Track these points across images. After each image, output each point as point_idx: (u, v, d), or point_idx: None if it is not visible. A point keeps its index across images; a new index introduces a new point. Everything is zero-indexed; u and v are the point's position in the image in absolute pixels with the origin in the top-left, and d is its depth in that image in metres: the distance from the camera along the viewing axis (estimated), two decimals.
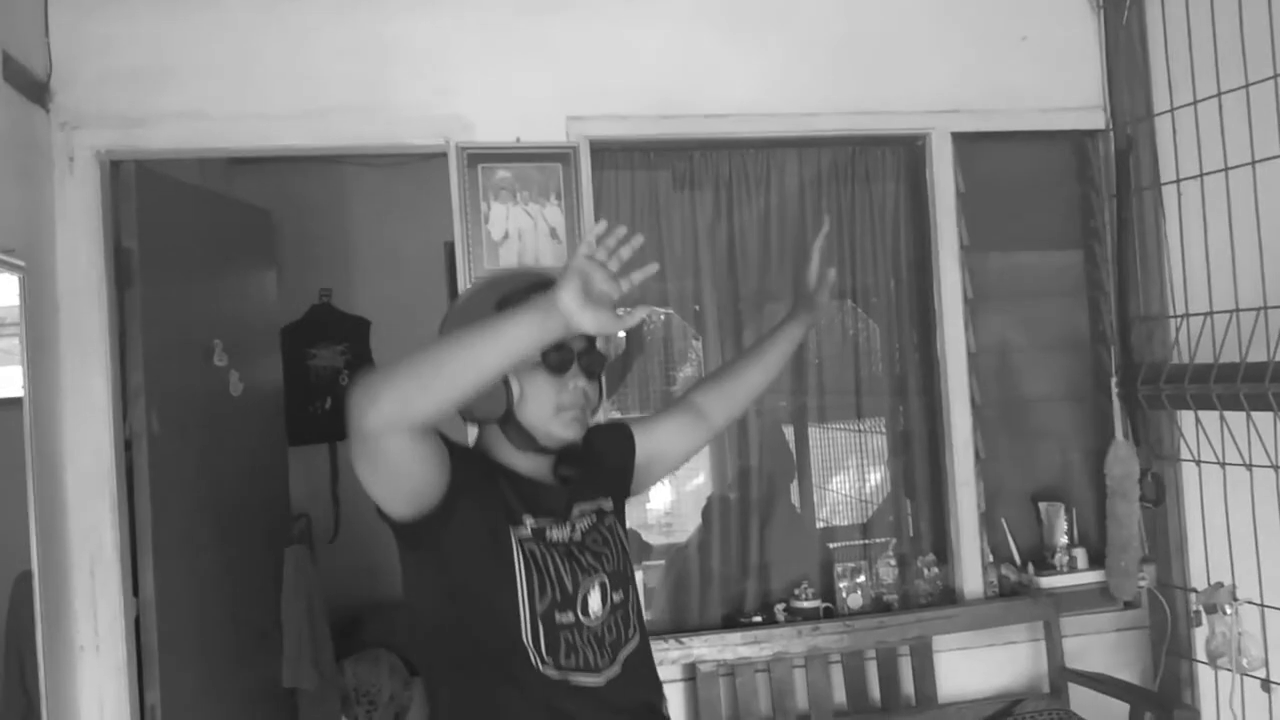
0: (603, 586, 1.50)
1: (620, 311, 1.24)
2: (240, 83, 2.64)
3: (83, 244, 2.54)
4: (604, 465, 1.64)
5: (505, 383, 1.45)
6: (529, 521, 1.47)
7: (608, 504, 1.61)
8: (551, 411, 1.48)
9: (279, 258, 3.72)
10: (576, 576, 1.47)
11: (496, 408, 1.47)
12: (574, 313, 1.19)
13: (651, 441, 1.73)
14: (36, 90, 2.49)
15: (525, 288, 1.47)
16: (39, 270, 2.39)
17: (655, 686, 1.60)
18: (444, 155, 2.73)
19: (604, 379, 1.60)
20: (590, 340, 1.54)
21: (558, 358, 1.47)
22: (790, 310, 1.89)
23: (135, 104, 2.58)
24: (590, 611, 1.47)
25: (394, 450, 1.27)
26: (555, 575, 1.45)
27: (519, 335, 1.22)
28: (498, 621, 1.42)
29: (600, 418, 1.76)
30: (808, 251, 1.92)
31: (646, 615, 2.88)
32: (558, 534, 1.49)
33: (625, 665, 1.51)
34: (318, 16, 2.68)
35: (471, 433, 1.62)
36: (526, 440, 1.49)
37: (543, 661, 1.42)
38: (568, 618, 1.45)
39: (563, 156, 2.77)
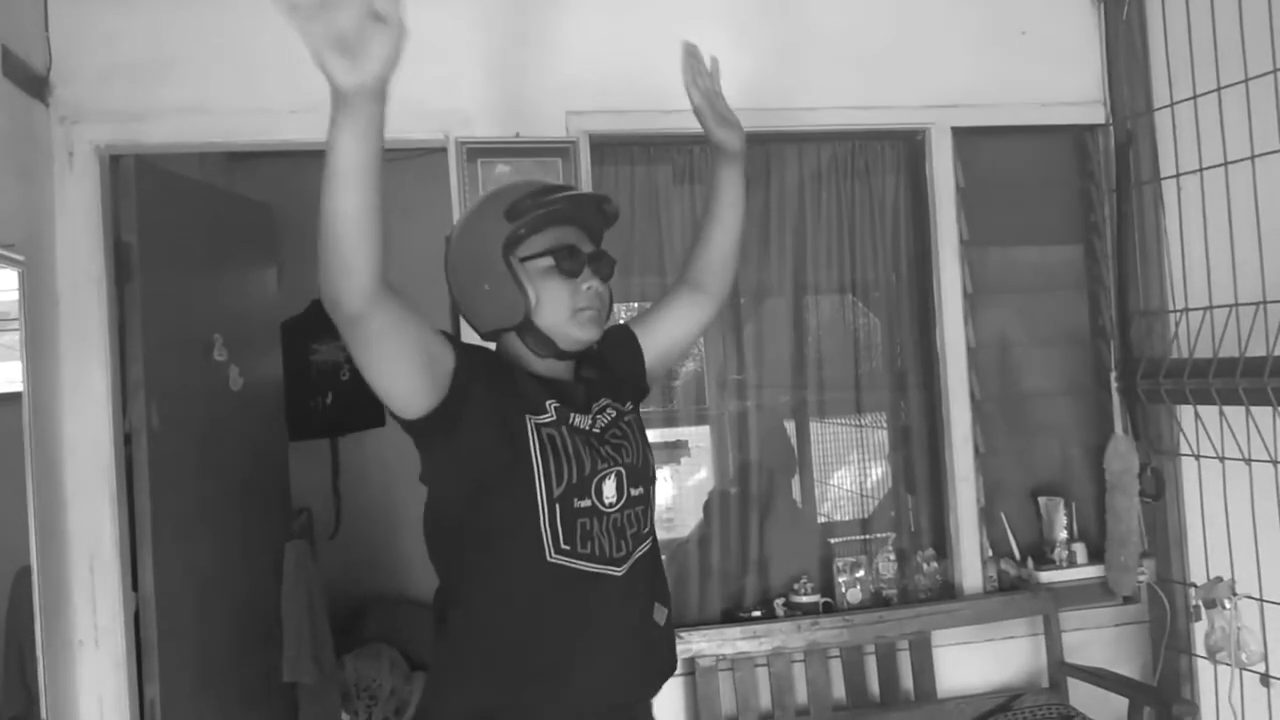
0: (619, 476, 1.50)
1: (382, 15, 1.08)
2: (240, 77, 2.64)
3: (82, 239, 2.54)
4: (616, 371, 1.65)
5: (521, 289, 1.47)
6: (552, 405, 1.48)
7: (627, 406, 1.62)
8: (568, 313, 1.50)
9: (280, 252, 3.72)
10: (595, 462, 1.48)
11: (515, 314, 1.49)
12: (352, 75, 1.05)
13: (657, 335, 1.74)
14: (36, 85, 2.49)
15: (530, 193, 1.49)
16: (39, 265, 2.39)
17: (663, 593, 1.59)
18: (444, 150, 2.73)
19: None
20: (598, 246, 1.57)
21: (570, 262, 1.49)
22: (712, 158, 1.82)
23: (135, 98, 2.58)
24: (605, 498, 1.47)
25: (377, 327, 1.27)
26: (574, 457, 1.45)
27: (345, 144, 1.13)
28: (514, 508, 1.42)
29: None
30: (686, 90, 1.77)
31: None
32: (580, 421, 1.50)
33: (638, 563, 1.51)
34: None
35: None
36: (546, 345, 1.51)
37: (558, 547, 1.42)
38: (584, 503, 1.45)
39: (562, 151, 2.76)
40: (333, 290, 1.21)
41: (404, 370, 1.35)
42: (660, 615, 1.56)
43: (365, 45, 1.03)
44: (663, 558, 1.66)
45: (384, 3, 1.05)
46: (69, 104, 2.55)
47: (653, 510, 1.59)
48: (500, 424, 1.43)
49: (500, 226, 1.48)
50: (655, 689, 1.59)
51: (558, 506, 1.43)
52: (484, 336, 1.58)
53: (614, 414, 1.58)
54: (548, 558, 1.42)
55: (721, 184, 1.79)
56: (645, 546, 1.55)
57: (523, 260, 1.49)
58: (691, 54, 1.74)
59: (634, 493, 1.53)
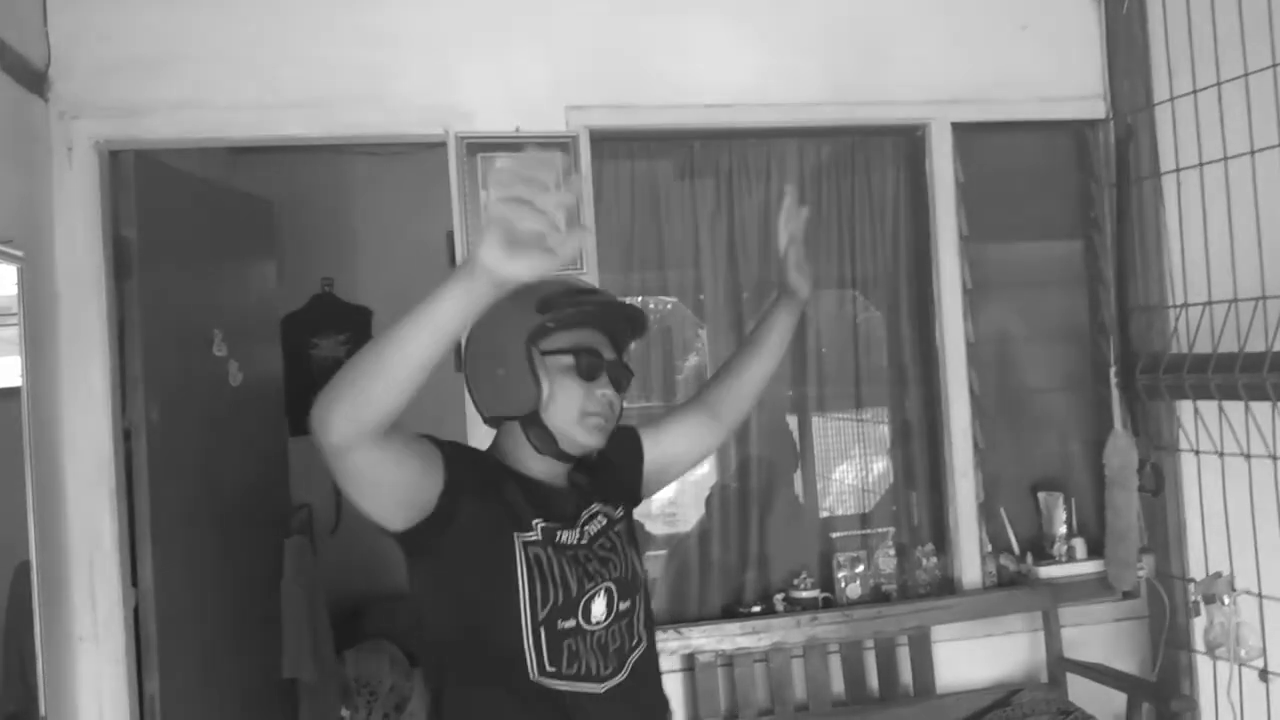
0: (609, 593, 1.48)
1: (551, 245, 1.08)
2: (240, 72, 2.64)
3: (81, 234, 2.54)
4: (614, 473, 1.63)
5: (536, 380, 1.44)
6: (538, 524, 1.45)
7: (617, 512, 1.59)
8: (577, 416, 1.46)
9: (280, 247, 3.72)
10: (582, 582, 1.45)
11: (525, 405, 1.45)
12: (499, 266, 1.07)
13: (661, 447, 1.72)
14: (35, 80, 2.48)
15: (566, 290, 1.46)
16: (38, 260, 2.39)
17: (661, 698, 1.59)
18: (444, 145, 2.73)
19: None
20: (618, 356, 1.55)
21: (589, 363, 1.47)
22: (775, 297, 1.84)
23: (134, 93, 2.58)
24: (593, 618, 1.45)
25: (364, 464, 1.24)
26: (560, 580, 1.43)
27: (447, 310, 1.12)
28: (498, 628, 1.40)
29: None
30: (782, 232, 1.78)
31: None
32: (566, 537, 1.47)
33: (633, 672, 1.49)
34: (318, 5, 2.68)
35: (477, 435, 1.61)
36: (548, 443, 1.47)
37: (544, 670, 1.40)
38: (569, 624, 1.43)
39: (562, 146, 2.76)
40: (337, 416, 1.16)
41: (387, 498, 1.33)
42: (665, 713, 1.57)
43: (528, 250, 1.06)
44: (660, 661, 1.64)
45: (569, 245, 1.08)
46: (68, 99, 2.55)
47: (643, 619, 1.56)
48: (486, 541, 1.41)
49: (529, 316, 1.43)
50: None
51: (543, 630, 1.41)
52: (486, 421, 1.54)
53: (604, 522, 1.55)
54: (530, 678, 1.40)
55: (775, 325, 1.79)
56: (635, 656, 1.52)
57: (543, 354, 1.46)
58: (793, 195, 1.75)
59: (622, 607, 1.50)
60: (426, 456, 1.35)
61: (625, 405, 1.59)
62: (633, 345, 1.65)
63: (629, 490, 1.67)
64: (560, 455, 1.49)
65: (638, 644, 1.53)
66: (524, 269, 1.07)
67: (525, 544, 1.42)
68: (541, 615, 1.40)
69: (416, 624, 1.51)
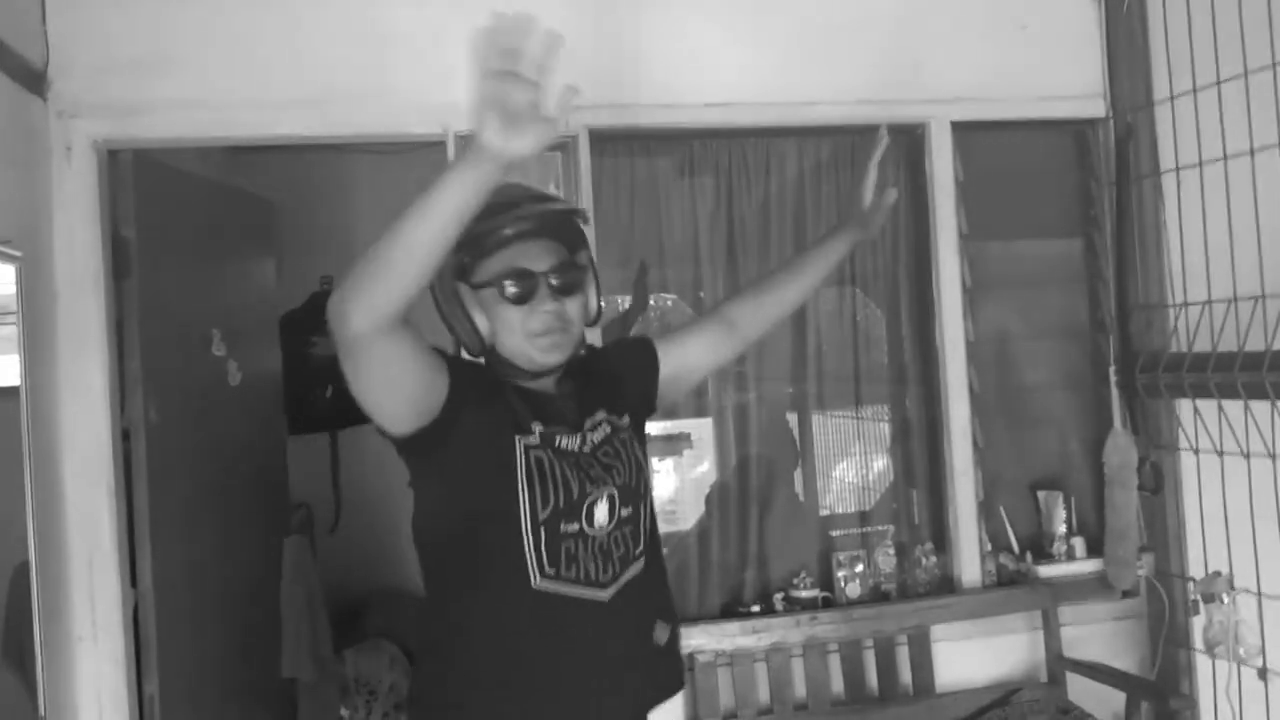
0: (611, 498, 1.48)
1: (547, 112, 1.08)
2: (239, 71, 2.63)
3: (80, 233, 2.53)
4: (623, 383, 1.62)
5: (469, 320, 1.46)
6: (537, 428, 1.45)
7: (623, 420, 1.58)
8: (524, 339, 1.46)
9: (280, 246, 3.71)
10: (584, 485, 1.45)
11: (472, 344, 1.48)
12: (502, 145, 1.06)
13: (677, 357, 1.70)
14: (33, 79, 2.48)
15: (479, 216, 1.34)
16: (36, 259, 2.39)
17: (663, 610, 1.56)
18: (443, 144, 2.72)
19: (593, 292, 1.55)
20: (559, 261, 1.49)
21: (516, 288, 1.45)
22: (838, 223, 1.82)
23: (133, 93, 2.57)
24: (595, 521, 1.45)
25: (379, 354, 1.26)
26: (561, 481, 1.43)
27: (454, 196, 1.13)
28: (498, 530, 1.41)
29: (597, 333, 1.73)
30: (865, 167, 1.82)
31: None
32: (567, 443, 1.48)
33: (628, 586, 1.49)
34: (316, 3, 2.67)
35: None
36: (513, 369, 1.49)
37: (543, 572, 1.40)
38: (572, 527, 1.43)
39: (562, 145, 2.76)
40: (354, 306, 1.18)
41: (397, 395, 1.34)
42: (662, 633, 1.53)
43: (524, 123, 1.06)
44: (667, 572, 1.63)
45: (559, 104, 1.07)
46: (67, 98, 2.54)
47: (646, 528, 1.56)
48: (487, 445, 1.42)
49: (452, 255, 1.39)
50: (648, 709, 1.57)
51: (543, 531, 1.41)
52: (470, 355, 1.55)
53: (608, 430, 1.54)
54: (532, 584, 1.40)
55: (828, 253, 1.80)
56: (637, 567, 1.52)
57: (475, 287, 1.46)
58: (883, 139, 1.82)
59: (624, 513, 1.50)
60: (434, 361, 1.37)
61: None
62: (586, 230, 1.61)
63: (641, 399, 1.67)
64: (531, 376, 1.50)
65: (640, 553, 1.53)
66: (527, 143, 1.07)
67: (526, 447, 1.44)
68: (543, 516, 1.41)
69: (416, 529, 1.52)
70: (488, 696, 1.44)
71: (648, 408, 1.68)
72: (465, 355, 1.55)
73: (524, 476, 1.42)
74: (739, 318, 1.75)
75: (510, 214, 1.45)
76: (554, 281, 1.47)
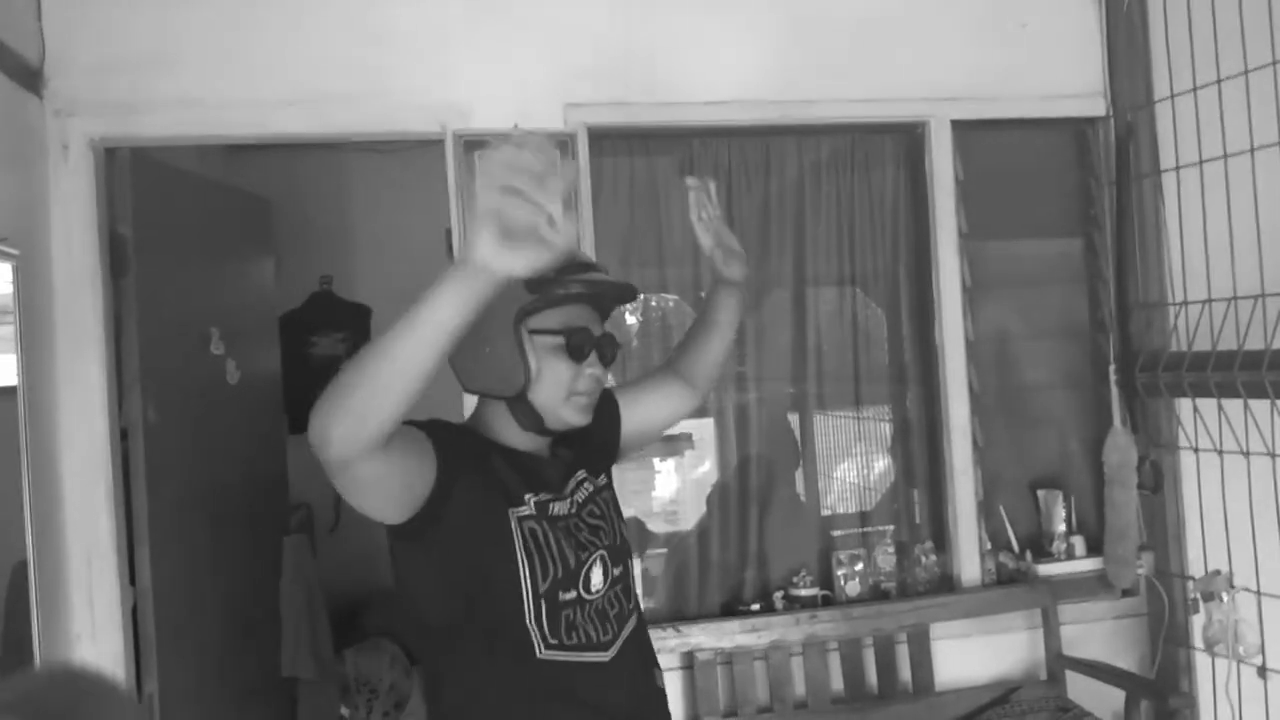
0: (603, 560, 1.49)
1: (547, 236, 1.05)
2: (236, 69, 2.62)
3: (77, 231, 2.53)
4: (594, 440, 1.62)
5: (525, 361, 1.42)
6: (530, 499, 1.44)
7: (600, 480, 1.60)
8: (564, 396, 1.45)
9: (279, 245, 3.70)
10: (578, 554, 1.45)
11: (512, 386, 1.43)
12: (496, 261, 1.04)
13: (637, 411, 1.71)
14: (30, 77, 2.47)
15: (554, 267, 1.35)
16: (33, 258, 2.38)
17: (653, 658, 1.59)
18: (441, 142, 2.72)
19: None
20: (607, 331, 1.52)
21: (580, 341, 1.44)
22: (714, 284, 1.81)
23: (130, 91, 2.57)
24: (592, 587, 1.46)
25: (367, 471, 1.21)
26: (557, 552, 1.43)
27: (445, 312, 1.09)
28: (498, 605, 1.40)
29: None
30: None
31: (648, 603, 2.90)
32: (558, 508, 1.47)
33: (626, 642, 1.50)
34: (314, 2, 2.67)
35: (469, 403, 1.59)
36: (535, 421, 1.46)
37: (546, 643, 1.40)
38: (570, 595, 1.43)
39: (561, 144, 2.75)
40: (338, 432, 1.12)
41: (387, 498, 1.31)
42: (660, 679, 1.57)
43: (524, 243, 1.03)
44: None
45: (564, 236, 1.05)
46: (64, 96, 2.54)
47: (633, 582, 1.58)
48: (481, 520, 1.40)
49: (517, 294, 1.38)
50: None
51: (543, 603, 1.40)
52: (467, 391, 1.51)
53: (590, 489, 1.55)
54: (537, 655, 1.40)
55: (721, 306, 1.79)
56: (632, 622, 1.53)
57: (533, 333, 1.43)
58: (698, 189, 1.70)
59: (615, 573, 1.51)
60: (417, 446, 1.33)
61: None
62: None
63: (608, 454, 1.68)
64: (545, 433, 1.48)
65: (633, 609, 1.55)
66: (521, 263, 1.05)
67: (520, 519, 1.42)
68: (543, 589, 1.40)
69: (410, 614, 1.50)
70: None
71: (611, 461, 1.69)
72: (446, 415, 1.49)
73: (521, 551, 1.40)
74: (685, 370, 1.78)
75: (582, 275, 1.46)
76: (605, 349, 1.49)
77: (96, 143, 2.56)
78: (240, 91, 2.62)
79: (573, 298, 1.45)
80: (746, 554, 3.03)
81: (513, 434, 1.48)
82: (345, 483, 1.23)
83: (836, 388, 3.13)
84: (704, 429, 3.05)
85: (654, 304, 3.05)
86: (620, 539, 1.56)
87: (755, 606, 2.95)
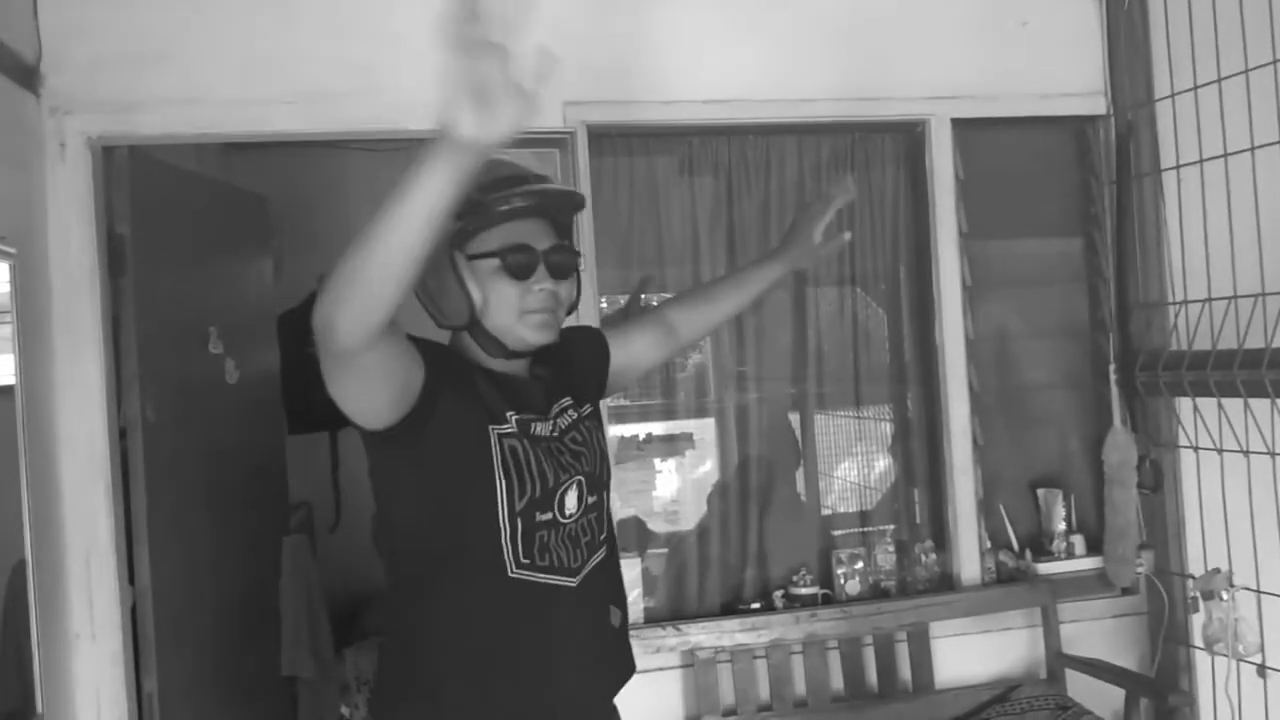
0: (579, 486, 1.49)
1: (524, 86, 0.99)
2: (234, 67, 2.61)
3: (75, 230, 2.52)
4: (581, 371, 1.63)
5: (465, 290, 1.41)
6: (512, 416, 1.44)
7: (585, 408, 1.60)
8: (516, 316, 1.44)
9: (278, 244, 3.69)
10: (557, 474, 1.45)
11: (460, 315, 1.44)
12: (480, 131, 0.98)
13: (624, 351, 1.73)
14: (26, 75, 2.46)
15: (482, 186, 1.37)
16: (31, 257, 2.37)
17: (617, 595, 1.59)
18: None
19: (580, 277, 1.55)
20: (559, 240, 1.49)
21: (518, 261, 1.42)
22: (781, 246, 1.83)
23: (127, 89, 2.56)
24: (565, 510, 1.46)
25: (364, 361, 1.22)
26: (536, 472, 1.43)
27: (431, 190, 1.04)
28: (474, 522, 1.40)
29: (575, 318, 1.74)
30: (826, 203, 1.81)
31: (649, 602, 2.89)
32: (540, 428, 1.47)
33: (593, 572, 1.50)
34: (313, 0, 2.66)
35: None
36: (496, 346, 1.46)
37: (518, 562, 1.40)
38: (545, 516, 1.43)
39: (560, 142, 2.75)
40: (339, 320, 1.14)
41: (379, 396, 1.31)
42: (615, 618, 1.55)
43: (499, 105, 0.97)
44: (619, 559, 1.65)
45: (534, 78, 0.99)
46: (60, 94, 2.53)
47: (609, 515, 1.58)
48: (462, 436, 1.40)
49: (448, 222, 1.32)
50: (614, 692, 1.58)
51: (519, 520, 1.41)
52: (439, 327, 1.51)
53: (574, 416, 1.56)
54: (508, 573, 1.40)
55: (767, 272, 1.83)
56: (600, 553, 1.53)
57: (471, 258, 1.42)
58: (847, 188, 1.82)
59: (590, 500, 1.51)
60: (409, 353, 1.33)
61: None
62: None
63: (596, 388, 1.69)
64: (511, 355, 1.48)
65: (604, 539, 1.55)
66: (503, 124, 0.98)
67: (500, 436, 1.42)
68: (519, 507, 1.41)
69: (381, 531, 1.50)
70: (460, 684, 1.43)
71: (599, 395, 1.70)
72: (427, 335, 1.49)
73: (500, 467, 1.40)
74: (678, 322, 1.79)
75: (516, 189, 1.43)
76: (553, 261, 1.46)
77: (94, 141, 2.55)
78: (238, 90, 2.61)
79: (507, 214, 1.42)
80: (747, 553, 3.03)
81: (489, 359, 1.48)
82: (346, 376, 1.24)
83: (837, 387, 3.13)
84: (705, 429, 3.05)
85: (655, 304, 3.04)
86: (600, 469, 1.56)
87: (755, 605, 2.95)
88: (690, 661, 2.77)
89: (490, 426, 1.42)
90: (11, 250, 2.22)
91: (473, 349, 1.49)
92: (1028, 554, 3.04)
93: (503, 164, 1.46)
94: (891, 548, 3.07)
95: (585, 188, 2.77)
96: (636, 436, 3.01)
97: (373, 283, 1.11)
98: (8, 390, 2.23)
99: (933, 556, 3.07)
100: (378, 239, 1.09)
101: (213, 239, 3.05)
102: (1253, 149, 2.55)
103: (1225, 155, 2.65)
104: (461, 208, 1.32)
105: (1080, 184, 3.21)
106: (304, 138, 2.78)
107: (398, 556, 1.49)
